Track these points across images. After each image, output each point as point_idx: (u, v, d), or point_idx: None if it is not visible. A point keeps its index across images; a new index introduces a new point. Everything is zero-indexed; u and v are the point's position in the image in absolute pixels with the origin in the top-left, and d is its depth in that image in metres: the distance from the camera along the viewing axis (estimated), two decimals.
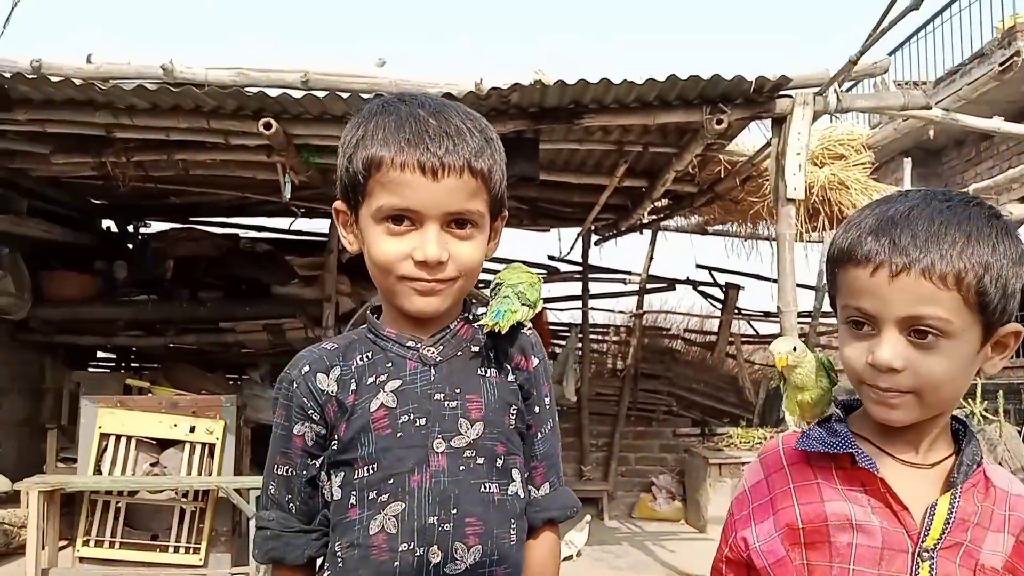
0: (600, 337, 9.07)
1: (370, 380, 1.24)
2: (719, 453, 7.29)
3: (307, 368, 1.26)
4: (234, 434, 5.57)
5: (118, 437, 5.36)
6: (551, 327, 8.48)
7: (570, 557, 5.89)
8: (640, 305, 8.88)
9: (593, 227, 7.89)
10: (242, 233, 7.78)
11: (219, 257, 7.18)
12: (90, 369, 8.07)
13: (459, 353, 1.27)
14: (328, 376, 1.25)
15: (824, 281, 1.19)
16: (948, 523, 1.06)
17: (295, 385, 1.25)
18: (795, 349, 1.47)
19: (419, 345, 1.25)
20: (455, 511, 1.20)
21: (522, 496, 1.29)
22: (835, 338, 7.56)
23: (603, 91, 4.44)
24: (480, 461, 1.23)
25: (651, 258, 8.69)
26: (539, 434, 1.33)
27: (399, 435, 1.21)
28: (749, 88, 4.49)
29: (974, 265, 1.00)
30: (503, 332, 1.26)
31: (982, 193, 6.09)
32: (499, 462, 1.25)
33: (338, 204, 1.28)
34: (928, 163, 9.63)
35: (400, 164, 1.16)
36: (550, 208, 7.33)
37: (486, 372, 1.28)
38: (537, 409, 1.33)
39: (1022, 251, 1.05)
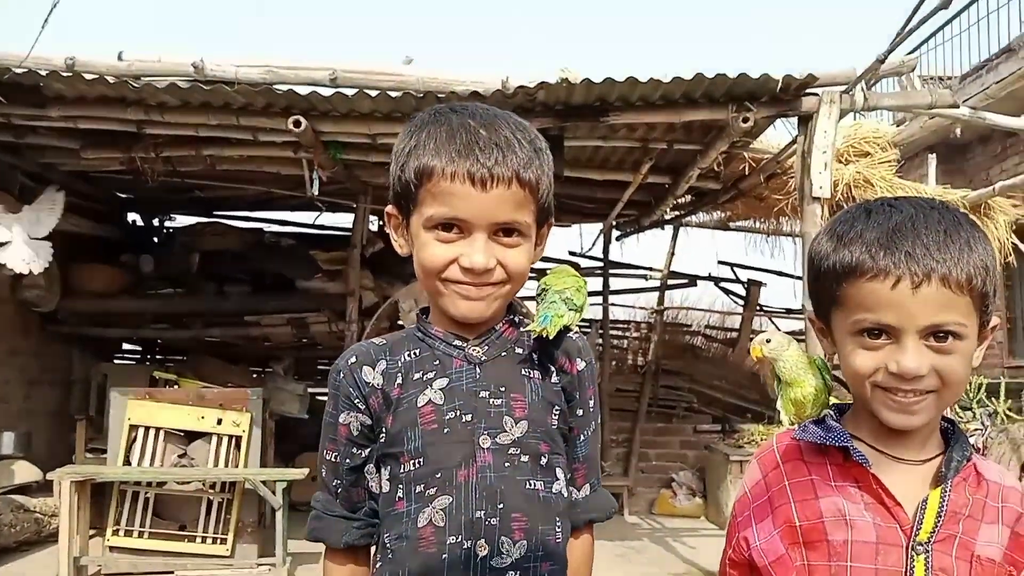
0: (621, 333, 9.07)
1: (417, 376, 1.27)
2: (740, 450, 7.29)
3: (354, 359, 1.30)
4: (260, 426, 5.64)
5: (147, 429, 5.44)
6: None
7: None
8: (661, 301, 8.88)
9: (615, 223, 7.89)
10: (267, 227, 7.86)
11: (244, 251, 7.25)
12: (116, 361, 8.18)
13: (504, 354, 1.30)
14: (374, 369, 1.28)
15: (808, 292, 1.17)
16: (940, 516, 1.09)
17: (342, 375, 1.30)
18: (769, 341, 1.47)
19: (465, 345, 1.28)
20: (501, 506, 1.22)
21: (566, 495, 1.31)
22: None
23: (629, 89, 4.45)
24: (525, 458, 1.25)
25: (672, 254, 8.70)
26: (581, 436, 1.35)
27: (446, 431, 1.24)
28: (776, 87, 4.49)
29: (978, 269, 1.06)
30: (551, 337, 1.29)
31: (1008, 191, 6.05)
32: (543, 460, 1.27)
33: (390, 209, 1.31)
34: (953, 159, 9.52)
35: (450, 174, 1.19)
36: (572, 204, 7.34)
37: (530, 373, 1.30)
38: (580, 412, 1.35)
39: (991, 243, 1.12)
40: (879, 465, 1.12)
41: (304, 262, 7.03)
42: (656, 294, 8.92)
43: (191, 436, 5.55)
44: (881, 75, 4.89)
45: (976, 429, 8.15)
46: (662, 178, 6.26)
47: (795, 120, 4.90)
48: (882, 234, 1.07)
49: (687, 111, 4.66)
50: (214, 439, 5.48)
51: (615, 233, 8.41)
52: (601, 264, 8.64)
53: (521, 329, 1.33)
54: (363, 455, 1.30)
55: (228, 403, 5.57)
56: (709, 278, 9.06)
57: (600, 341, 8.34)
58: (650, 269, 8.89)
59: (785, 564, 1.13)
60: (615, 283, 8.80)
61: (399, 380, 1.27)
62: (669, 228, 8.39)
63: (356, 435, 1.29)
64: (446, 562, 1.20)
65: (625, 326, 9.13)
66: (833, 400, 1.39)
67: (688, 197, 6.96)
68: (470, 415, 1.24)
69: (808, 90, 4.64)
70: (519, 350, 1.31)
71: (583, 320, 9.19)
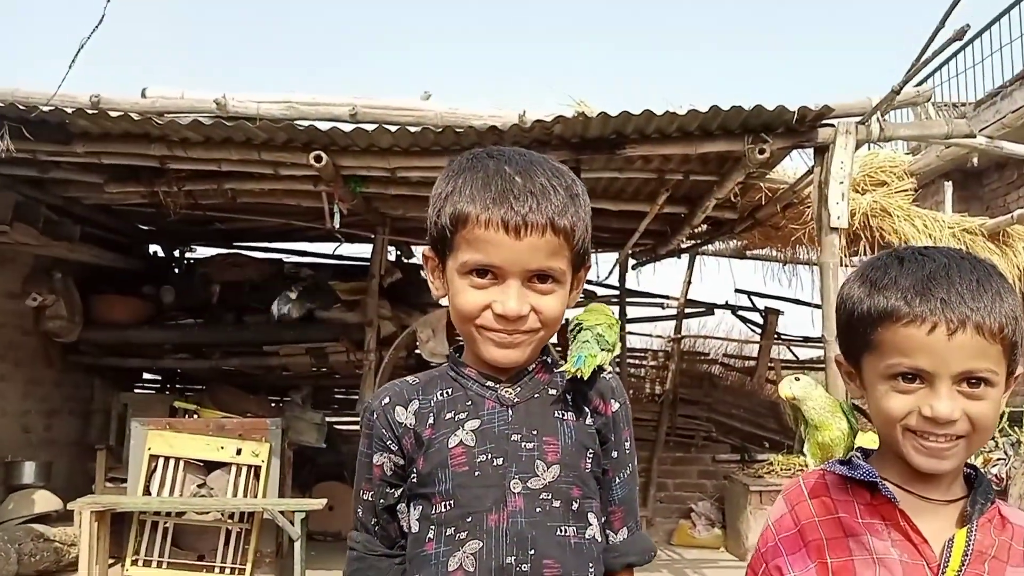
0: (638, 362, 9.05)
1: (448, 416, 1.28)
2: (759, 480, 7.22)
3: (387, 400, 1.31)
4: (279, 456, 5.66)
5: (166, 459, 5.48)
6: None
7: None
8: (678, 329, 8.85)
9: (631, 252, 7.91)
10: (286, 258, 7.92)
11: (263, 282, 7.30)
12: (136, 390, 8.23)
13: (536, 396, 1.29)
14: (407, 409, 1.29)
15: (838, 336, 1.16)
16: (967, 555, 1.10)
17: (375, 416, 1.31)
18: (798, 379, 1.48)
19: (498, 386, 1.29)
20: (532, 552, 1.21)
21: (599, 540, 1.29)
22: None
23: (645, 122, 4.49)
24: (556, 504, 1.24)
25: (689, 282, 8.69)
26: (617, 479, 1.34)
27: (476, 473, 1.23)
28: (791, 118, 4.51)
29: (1009, 318, 1.09)
30: (585, 378, 1.29)
31: None
32: (575, 505, 1.26)
33: (426, 251, 1.32)
34: (969, 186, 9.49)
35: (485, 222, 1.19)
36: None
37: (563, 415, 1.29)
38: (615, 454, 1.33)
39: (1017, 294, 1.15)
40: (906, 504, 1.14)
41: (323, 292, 7.08)
42: (673, 323, 8.90)
43: (210, 466, 5.58)
44: (897, 105, 4.91)
45: (999, 459, 8.06)
46: (678, 208, 6.28)
47: (811, 150, 4.92)
48: (917, 281, 1.10)
49: (703, 143, 4.69)
50: (233, 469, 5.51)
51: (631, 262, 8.42)
52: (618, 293, 8.64)
53: (555, 371, 1.33)
54: (396, 494, 1.31)
55: (248, 433, 5.60)
56: (726, 306, 9.04)
57: (617, 370, 8.30)
58: (667, 298, 8.88)
59: None
60: (632, 312, 8.80)
61: (431, 420, 1.28)
62: (685, 257, 8.38)
63: (390, 475, 1.30)
64: None
65: (642, 355, 9.11)
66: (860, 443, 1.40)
67: (704, 226, 6.98)
68: (501, 458, 1.24)
69: (824, 121, 4.66)
70: (552, 391, 1.31)
71: None
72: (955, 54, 9.86)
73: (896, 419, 1.11)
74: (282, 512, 5.16)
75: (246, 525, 5.49)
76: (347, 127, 4.43)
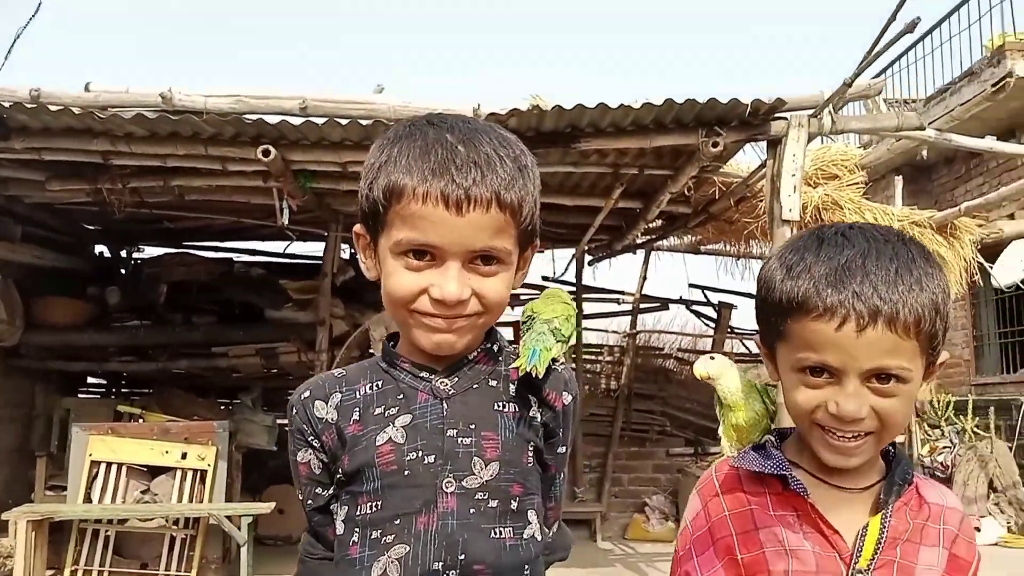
0: (593, 357, 9.05)
1: (378, 411, 1.18)
2: None
3: (307, 394, 1.21)
4: (226, 460, 5.53)
5: (109, 465, 5.33)
6: None
7: None
8: (633, 325, 8.88)
9: (587, 248, 7.90)
10: (236, 257, 7.76)
11: (212, 282, 7.15)
12: (80, 395, 7.99)
13: (475, 386, 1.19)
14: (327, 404, 1.19)
15: (756, 319, 1.15)
16: (880, 543, 1.08)
17: (294, 411, 1.22)
18: (713, 358, 1.45)
19: (432, 377, 1.18)
20: (463, 557, 1.12)
21: (539, 539, 1.20)
22: None
23: (600, 115, 4.46)
24: (493, 504, 1.15)
25: (644, 278, 8.72)
26: (559, 476, 1.27)
27: (406, 473, 1.14)
28: (744, 111, 4.52)
29: (927, 310, 1.04)
30: (540, 376, 1.18)
31: (974, 211, 6.14)
32: (514, 504, 1.17)
33: (358, 228, 1.21)
34: (918, 180, 9.70)
35: (422, 195, 1.08)
36: (544, 229, 7.29)
37: (504, 407, 1.19)
38: (561, 449, 1.25)
39: (946, 279, 1.10)
40: (819, 493, 1.11)
41: (274, 292, 6.94)
42: (628, 318, 8.92)
43: (155, 471, 5.43)
44: (848, 99, 4.95)
45: (945, 447, 8.23)
46: (633, 203, 6.28)
47: (764, 144, 4.94)
48: (831, 271, 1.05)
49: (657, 136, 4.68)
50: (178, 474, 5.37)
51: (587, 258, 8.42)
52: (574, 289, 8.63)
53: (505, 367, 1.23)
54: (326, 495, 1.22)
55: (193, 437, 5.46)
56: (680, 301, 9.09)
57: (573, 365, 8.30)
58: (622, 293, 8.90)
59: None
60: (588, 307, 8.79)
61: (355, 415, 1.18)
62: (641, 252, 8.41)
63: (318, 473, 1.21)
64: None
65: (598, 350, 9.11)
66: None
67: (659, 221, 6.99)
68: (433, 456, 1.14)
69: (777, 114, 4.67)
70: (493, 382, 1.20)
71: None
72: (906, 50, 10.06)
73: (805, 412, 1.08)
74: (228, 517, 5.04)
75: (191, 531, 5.36)
76: (297, 121, 4.33)
